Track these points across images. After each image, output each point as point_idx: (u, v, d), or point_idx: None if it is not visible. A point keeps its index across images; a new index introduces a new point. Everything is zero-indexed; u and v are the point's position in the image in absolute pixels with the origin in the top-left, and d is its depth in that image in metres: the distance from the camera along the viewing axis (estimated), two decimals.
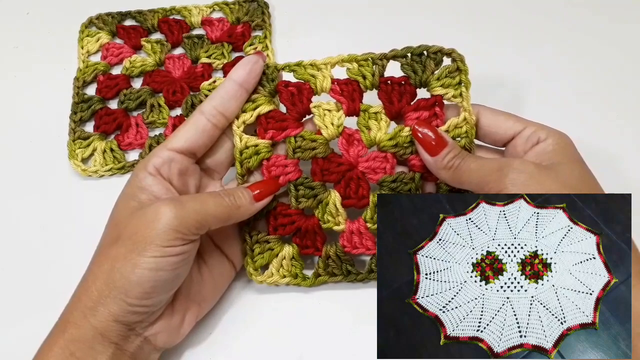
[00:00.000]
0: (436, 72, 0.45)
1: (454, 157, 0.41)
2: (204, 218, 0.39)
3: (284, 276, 0.45)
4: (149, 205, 0.39)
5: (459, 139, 0.44)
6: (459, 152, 0.42)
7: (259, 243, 0.45)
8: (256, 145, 0.45)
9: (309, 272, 0.47)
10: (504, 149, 0.45)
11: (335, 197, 0.45)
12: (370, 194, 0.45)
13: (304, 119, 0.46)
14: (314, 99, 0.46)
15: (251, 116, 0.45)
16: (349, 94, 0.45)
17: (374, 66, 0.46)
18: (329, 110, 0.45)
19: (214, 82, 0.58)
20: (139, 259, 0.37)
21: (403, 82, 0.45)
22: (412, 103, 0.45)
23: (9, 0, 0.66)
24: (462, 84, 0.44)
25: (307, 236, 0.46)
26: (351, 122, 0.46)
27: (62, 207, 0.52)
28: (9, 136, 0.56)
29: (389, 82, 0.46)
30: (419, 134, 0.42)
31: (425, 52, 0.45)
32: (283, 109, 0.46)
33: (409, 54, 0.45)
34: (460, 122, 0.44)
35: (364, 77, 0.45)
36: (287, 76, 0.47)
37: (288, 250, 0.45)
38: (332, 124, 0.45)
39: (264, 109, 0.45)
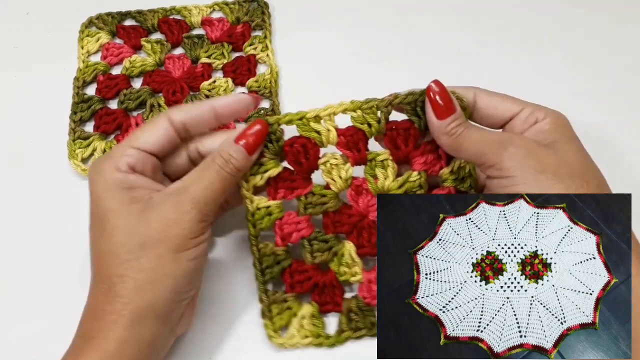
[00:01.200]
0: None
1: (458, 125, 0.42)
2: (217, 197, 0.40)
3: (306, 336, 0.44)
4: (163, 203, 0.39)
5: (463, 179, 0.44)
6: (464, 121, 0.42)
7: (276, 303, 0.44)
8: (268, 207, 0.44)
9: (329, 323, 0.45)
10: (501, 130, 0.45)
11: (350, 247, 0.45)
12: None
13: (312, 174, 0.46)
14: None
15: (261, 179, 0.44)
16: (354, 144, 0.45)
17: (378, 112, 0.44)
18: (336, 165, 0.45)
19: (214, 82, 0.59)
20: (179, 256, 0.38)
21: (409, 127, 0.44)
22: (418, 146, 0.45)
23: (9, 0, 0.66)
24: None
25: (326, 292, 0.45)
26: (358, 169, 0.45)
27: (62, 207, 0.52)
28: (9, 136, 0.56)
29: (394, 127, 0.45)
30: (432, 94, 0.42)
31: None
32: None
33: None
34: (463, 163, 0.44)
35: (369, 125, 0.45)
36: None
37: (307, 308, 0.45)
38: (340, 177, 0.45)
39: (274, 172, 0.44)
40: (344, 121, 0.45)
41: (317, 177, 0.45)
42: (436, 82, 0.43)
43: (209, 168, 0.41)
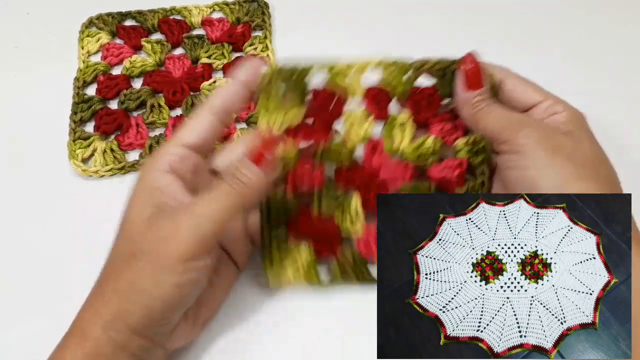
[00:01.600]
0: None
1: (482, 100, 0.43)
2: (222, 221, 0.37)
3: (300, 278, 0.45)
4: (166, 217, 0.37)
5: (476, 152, 0.45)
6: (488, 97, 0.43)
7: (278, 249, 0.45)
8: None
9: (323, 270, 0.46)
10: None
11: (356, 201, 0.45)
12: None
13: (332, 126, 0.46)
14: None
15: (281, 125, 0.43)
16: (377, 103, 0.45)
17: (406, 75, 0.45)
18: (358, 120, 0.45)
19: (214, 82, 0.59)
20: (162, 277, 0.36)
21: (432, 93, 0.45)
22: (436, 114, 0.46)
23: (9, 0, 0.66)
24: None
25: (325, 240, 0.46)
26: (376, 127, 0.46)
27: (62, 207, 0.52)
28: (9, 136, 0.56)
29: (418, 91, 0.46)
30: (466, 65, 0.43)
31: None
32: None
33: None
34: (479, 137, 0.45)
35: (395, 87, 0.45)
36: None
37: (305, 252, 0.45)
38: (360, 133, 0.45)
39: (297, 119, 0.44)
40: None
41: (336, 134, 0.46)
42: (471, 54, 0.44)
43: (218, 188, 0.38)
